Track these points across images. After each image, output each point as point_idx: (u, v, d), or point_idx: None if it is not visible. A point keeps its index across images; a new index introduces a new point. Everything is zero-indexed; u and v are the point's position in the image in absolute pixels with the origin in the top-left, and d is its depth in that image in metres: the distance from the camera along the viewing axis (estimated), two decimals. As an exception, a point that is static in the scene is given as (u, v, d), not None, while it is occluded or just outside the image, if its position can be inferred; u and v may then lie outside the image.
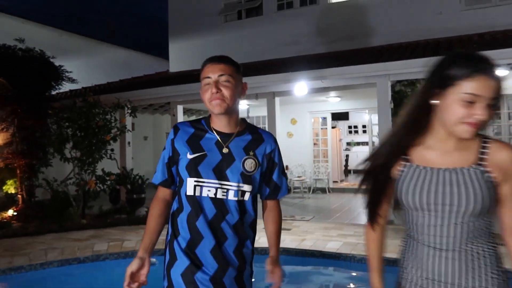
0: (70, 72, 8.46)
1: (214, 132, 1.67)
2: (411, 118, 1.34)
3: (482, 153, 1.26)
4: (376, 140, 9.41)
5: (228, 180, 1.62)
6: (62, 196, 7.38)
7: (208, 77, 1.62)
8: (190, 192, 1.62)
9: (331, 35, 9.75)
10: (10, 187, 7.82)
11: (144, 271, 1.60)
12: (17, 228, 6.50)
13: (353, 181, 12.13)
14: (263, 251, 5.02)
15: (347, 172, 14.14)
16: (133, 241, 5.52)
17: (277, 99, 8.51)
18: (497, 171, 1.24)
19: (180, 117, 9.16)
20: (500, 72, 6.49)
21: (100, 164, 7.44)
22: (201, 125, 1.71)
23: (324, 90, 8.00)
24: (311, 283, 4.73)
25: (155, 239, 1.68)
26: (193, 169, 1.62)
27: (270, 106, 8.48)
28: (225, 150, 1.64)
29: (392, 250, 5.26)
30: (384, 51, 8.14)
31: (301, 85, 7.50)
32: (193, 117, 8.39)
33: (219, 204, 1.61)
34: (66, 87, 8.82)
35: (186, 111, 10.22)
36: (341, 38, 9.56)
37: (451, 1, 8.67)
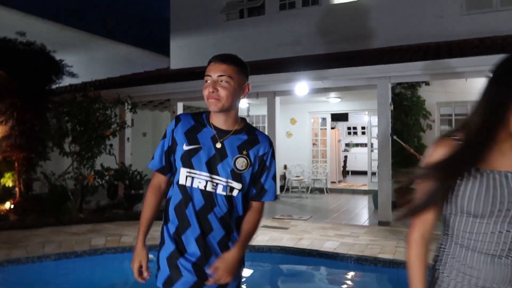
0: (71, 66, 8.46)
1: (212, 127, 1.72)
2: (486, 128, 1.25)
3: None
4: (375, 142, 9.43)
5: (218, 175, 1.68)
6: (60, 190, 7.38)
7: (209, 76, 1.68)
8: (182, 181, 1.70)
9: (333, 36, 9.78)
10: (8, 180, 7.81)
11: (145, 266, 1.73)
12: (14, 221, 6.51)
13: (351, 182, 12.16)
14: (261, 249, 5.07)
15: (345, 173, 14.19)
16: (131, 236, 5.53)
17: (277, 99, 8.54)
18: None
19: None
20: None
21: (98, 159, 7.45)
22: (201, 119, 1.76)
23: (325, 90, 8.02)
24: (307, 282, 4.76)
25: (149, 229, 1.80)
26: (187, 160, 1.69)
27: (270, 105, 8.51)
28: (218, 145, 1.69)
29: (390, 251, 5.31)
30: (385, 53, 8.17)
31: (302, 85, 7.51)
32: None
33: (208, 196, 1.68)
34: (66, 81, 8.82)
35: (186, 108, 10.22)
36: (343, 39, 9.59)
37: (452, 5, 8.71)
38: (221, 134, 1.71)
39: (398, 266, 4.45)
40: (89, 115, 7.14)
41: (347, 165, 14.64)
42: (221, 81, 1.65)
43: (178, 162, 1.72)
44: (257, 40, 10.50)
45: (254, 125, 10.08)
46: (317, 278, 4.97)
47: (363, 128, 15.18)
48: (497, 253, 1.24)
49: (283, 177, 10.40)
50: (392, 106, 7.08)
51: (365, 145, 13.10)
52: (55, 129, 7.39)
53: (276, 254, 5.08)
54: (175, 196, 1.72)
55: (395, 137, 6.91)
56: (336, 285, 4.77)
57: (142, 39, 19.14)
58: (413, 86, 7.81)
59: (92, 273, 4.84)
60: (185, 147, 1.70)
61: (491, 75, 1.26)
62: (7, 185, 7.81)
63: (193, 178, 1.68)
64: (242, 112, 10.58)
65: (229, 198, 1.69)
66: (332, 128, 12.04)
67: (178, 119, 1.78)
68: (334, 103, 10.21)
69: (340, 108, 10.75)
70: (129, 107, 7.90)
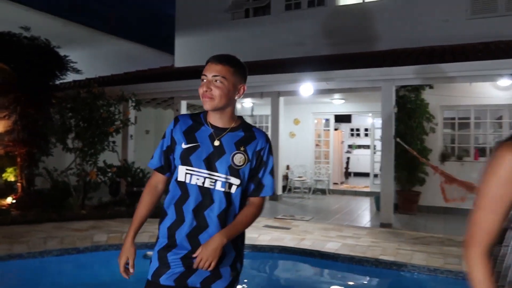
0: (75, 62, 8.46)
1: (209, 125, 1.77)
2: None
3: None
4: (378, 144, 9.43)
5: (216, 171, 1.71)
6: (62, 186, 7.39)
7: (205, 75, 1.74)
8: (181, 178, 1.74)
9: (338, 37, 9.77)
10: (10, 175, 7.83)
11: (131, 263, 1.78)
12: (16, 216, 6.51)
13: (353, 184, 12.15)
14: (262, 249, 5.07)
15: (347, 174, 14.17)
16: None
17: (281, 99, 8.53)
18: None
19: (183, 112, 9.17)
20: (503, 82, 6.50)
21: (101, 156, 7.45)
22: (199, 118, 1.81)
23: (329, 92, 8.02)
24: (308, 282, 4.76)
25: (140, 227, 1.83)
26: (186, 158, 1.73)
27: (274, 105, 8.51)
28: (216, 143, 1.73)
29: (391, 253, 5.29)
30: (389, 56, 8.16)
31: (306, 86, 7.51)
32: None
33: (206, 192, 1.70)
34: (70, 77, 8.83)
35: (189, 107, 10.22)
36: (347, 41, 9.58)
37: (457, 9, 8.70)
38: (219, 132, 1.75)
39: (399, 268, 4.45)
40: (93, 112, 7.14)
41: (350, 166, 14.62)
42: (216, 81, 1.70)
43: (177, 161, 1.76)
44: (262, 40, 10.50)
45: (257, 124, 10.03)
46: (318, 279, 4.97)
47: (366, 130, 15.17)
48: None
49: (285, 177, 10.39)
50: (396, 108, 7.08)
51: (367, 147, 13.10)
52: (58, 125, 7.39)
53: (277, 254, 5.08)
54: (174, 192, 1.75)
55: (398, 139, 6.90)
56: (337, 286, 4.77)
57: (146, 36, 19.13)
58: (417, 89, 7.80)
59: (94, 269, 4.84)
60: (184, 146, 1.74)
61: None
62: (9, 180, 7.83)
63: (191, 175, 1.72)
64: (246, 112, 10.60)
65: (227, 195, 1.72)
66: (335, 129, 12.03)
67: (176, 119, 1.83)
68: (337, 104, 10.20)
69: (343, 110, 10.73)
70: (133, 104, 7.91)
